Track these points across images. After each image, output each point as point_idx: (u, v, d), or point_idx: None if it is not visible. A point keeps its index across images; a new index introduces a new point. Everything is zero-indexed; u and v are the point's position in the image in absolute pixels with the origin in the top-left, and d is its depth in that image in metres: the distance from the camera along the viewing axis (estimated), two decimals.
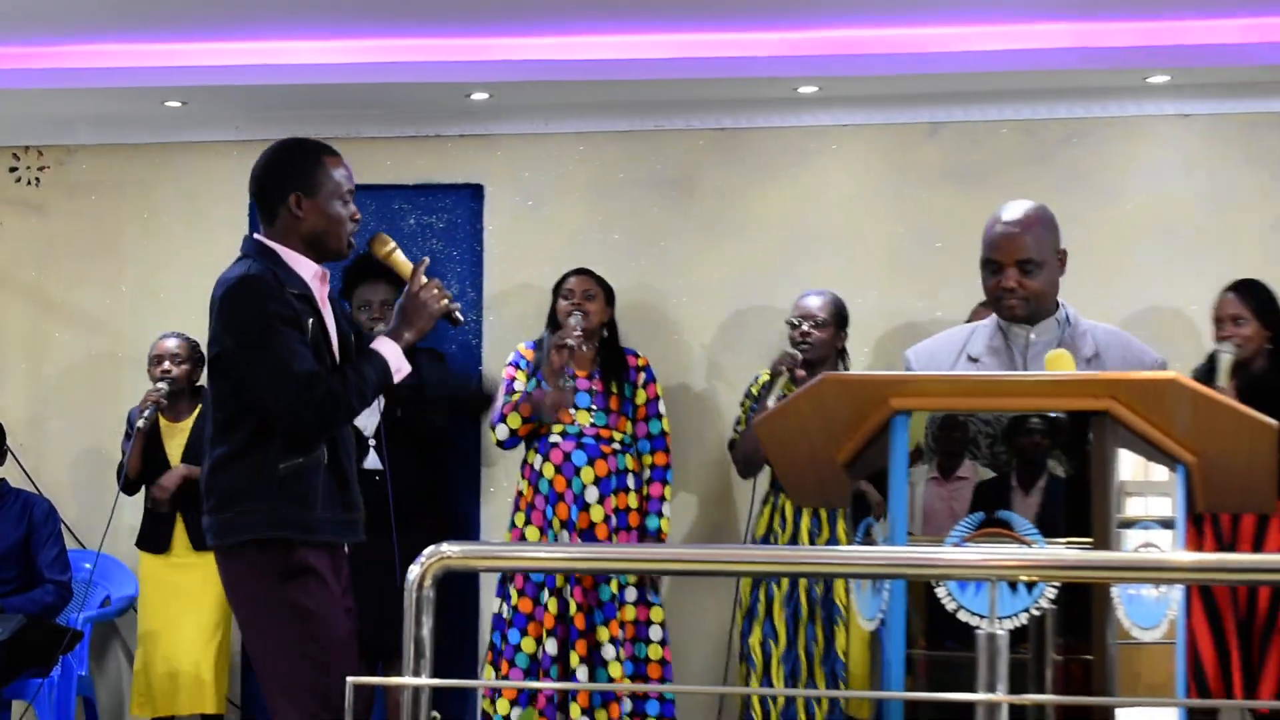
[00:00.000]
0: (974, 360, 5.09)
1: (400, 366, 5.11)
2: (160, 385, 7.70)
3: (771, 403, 6.93)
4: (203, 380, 7.98)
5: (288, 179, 5.09)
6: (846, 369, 7.32)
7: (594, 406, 7.34)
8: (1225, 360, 6.49)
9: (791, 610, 7.16)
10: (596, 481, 7.28)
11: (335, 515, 5.04)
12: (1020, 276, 4.96)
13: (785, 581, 7.14)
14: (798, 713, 7.09)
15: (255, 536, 4.89)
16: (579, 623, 7.17)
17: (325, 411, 4.92)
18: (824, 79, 7.50)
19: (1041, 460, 4.59)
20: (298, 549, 4.89)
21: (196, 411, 7.88)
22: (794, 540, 7.17)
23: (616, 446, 7.38)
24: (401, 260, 5.29)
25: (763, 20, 7.11)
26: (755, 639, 7.20)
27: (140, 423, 7.60)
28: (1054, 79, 7.48)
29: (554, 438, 7.29)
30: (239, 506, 4.92)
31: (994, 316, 5.16)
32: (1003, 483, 4.61)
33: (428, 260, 5.38)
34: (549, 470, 7.31)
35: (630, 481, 7.40)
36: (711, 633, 7.79)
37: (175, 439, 7.91)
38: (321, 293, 5.11)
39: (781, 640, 7.14)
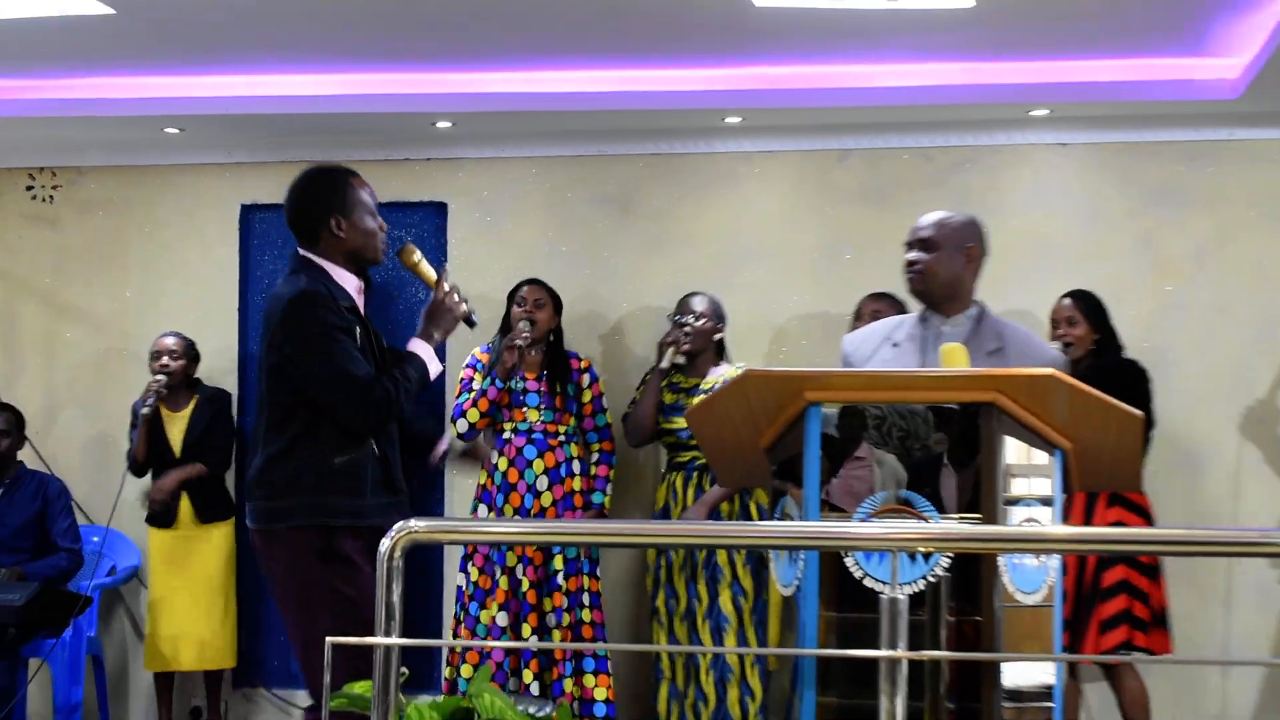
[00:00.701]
0: (895, 345, 5.16)
1: (435, 367, 5.19)
2: (159, 378, 7.75)
3: (665, 364, 7.27)
4: (198, 374, 7.97)
5: (325, 204, 5.08)
6: (724, 358, 7.39)
7: (542, 405, 7.36)
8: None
9: (688, 574, 7.21)
10: (545, 471, 7.34)
11: (381, 500, 5.03)
12: (919, 252, 5.11)
13: (681, 551, 7.20)
14: (700, 662, 7.13)
15: (304, 523, 4.89)
16: (530, 597, 7.20)
17: (383, 411, 4.97)
18: (748, 110, 7.50)
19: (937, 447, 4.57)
20: (336, 534, 4.91)
21: (194, 402, 7.94)
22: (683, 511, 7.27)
23: (562, 439, 7.40)
24: (426, 269, 5.29)
25: (694, 58, 7.09)
26: (660, 600, 7.27)
27: (144, 411, 7.66)
28: (948, 112, 7.47)
29: (507, 434, 7.34)
30: (293, 495, 4.92)
31: (920, 309, 5.24)
32: (927, 465, 4.59)
33: (449, 268, 5.46)
34: (503, 464, 7.34)
35: (576, 468, 7.42)
36: (638, 596, 7.84)
37: (175, 426, 7.93)
38: (361, 303, 5.14)
39: (682, 601, 7.21)
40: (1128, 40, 6.74)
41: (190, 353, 7.97)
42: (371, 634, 4.99)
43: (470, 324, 5.35)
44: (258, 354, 5.26)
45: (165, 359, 7.85)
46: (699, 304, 7.33)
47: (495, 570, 7.22)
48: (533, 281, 7.46)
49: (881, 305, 6.90)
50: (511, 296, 7.42)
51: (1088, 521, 6.68)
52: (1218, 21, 6.45)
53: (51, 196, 8.71)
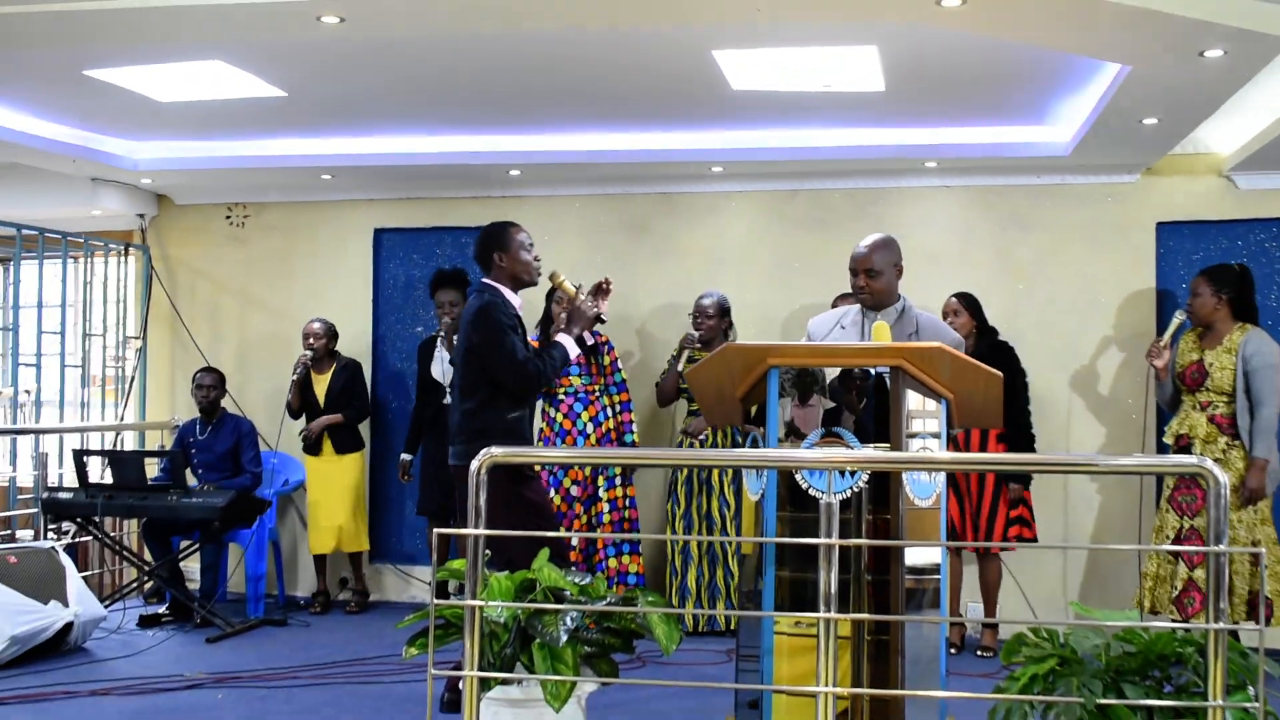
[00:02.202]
0: (843, 328, 5.20)
1: (574, 351, 5.48)
2: (307, 352, 7.89)
3: (680, 366, 7.27)
4: (338, 348, 8.03)
5: (494, 244, 5.42)
6: (730, 338, 7.33)
7: (581, 374, 7.31)
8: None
9: (688, 488, 7.22)
10: (590, 419, 7.26)
11: (527, 441, 5.57)
12: (867, 280, 5.09)
13: (685, 470, 7.26)
14: (692, 550, 7.19)
15: None
16: (578, 509, 7.22)
17: (538, 382, 5.33)
18: (726, 162, 7.43)
19: (861, 396, 4.53)
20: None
21: (334, 368, 7.98)
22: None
23: (597, 394, 7.34)
24: (568, 285, 5.53)
25: (690, 125, 7.07)
26: (668, 506, 7.27)
27: (294, 375, 7.85)
28: (866, 164, 7.40)
29: (560, 395, 7.30)
30: (486, 439, 4.97)
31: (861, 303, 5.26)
32: (837, 408, 4.56)
33: (582, 284, 5.64)
34: (559, 416, 7.30)
35: (608, 413, 7.37)
36: (658, 501, 7.75)
37: (320, 385, 8.01)
38: (521, 312, 5.43)
39: (681, 504, 7.21)
40: (992, 114, 6.69)
41: (330, 332, 8.01)
42: (551, 522, 5.48)
43: (601, 322, 5.57)
44: (458, 348, 5.45)
45: (312, 339, 7.92)
46: (709, 304, 7.31)
47: (554, 489, 7.22)
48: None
49: (845, 300, 6.93)
50: (549, 295, 7.30)
51: (983, 448, 6.68)
52: (1054, 101, 6.40)
53: (243, 223, 8.70)
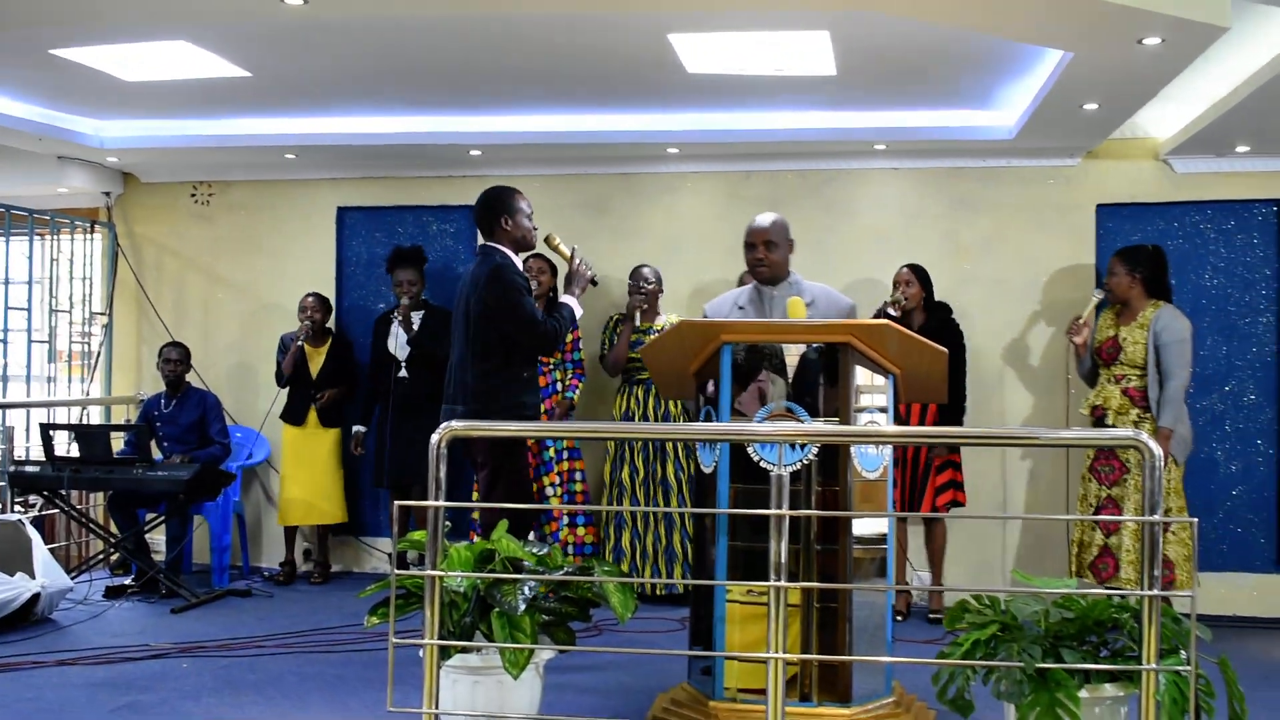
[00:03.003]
0: (741, 308, 5.22)
1: (579, 310, 5.63)
2: (306, 323, 7.81)
3: (638, 321, 7.32)
4: (330, 324, 8.08)
5: (499, 208, 5.51)
6: (659, 310, 7.45)
7: None
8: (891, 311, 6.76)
9: (644, 455, 7.19)
10: (541, 390, 7.20)
11: (538, 400, 5.61)
12: (765, 252, 5.15)
13: (640, 442, 7.23)
14: (650, 517, 7.20)
15: (510, 413, 5.32)
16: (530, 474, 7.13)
17: (551, 341, 5.41)
18: (683, 144, 7.43)
19: (816, 371, 4.55)
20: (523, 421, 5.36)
21: (329, 342, 7.97)
22: (645, 416, 7.24)
23: (551, 366, 7.35)
24: (564, 249, 5.67)
25: (647, 108, 7.04)
26: (624, 474, 7.22)
27: (296, 344, 7.81)
28: (818, 146, 7.42)
29: None
30: (498, 397, 5.34)
31: (754, 282, 5.27)
32: (784, 383, 4.58)
33: (577, 246, 5.83)
34: None
35: (559, 386, 7.38)
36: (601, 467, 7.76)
37: (316, 358, 7.94)
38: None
39: (641, 472, 7.18)
40: (939, 99, 6.72)
41: (325, 306, 7.97)
42: (528, 488, 5.57)
43: (594, 284, 5.73)
44: (464, 308, 5.50)
45: (309, 311, 7.86)
46: (649, 273, 7.32)
47: None
48: (536, 255, 7.32)
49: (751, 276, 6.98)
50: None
51: (921, 422, 6.73)
52: (999, 88, 6.43)
53: (208, 201, 8.61)
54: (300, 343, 7.78)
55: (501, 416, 5.25)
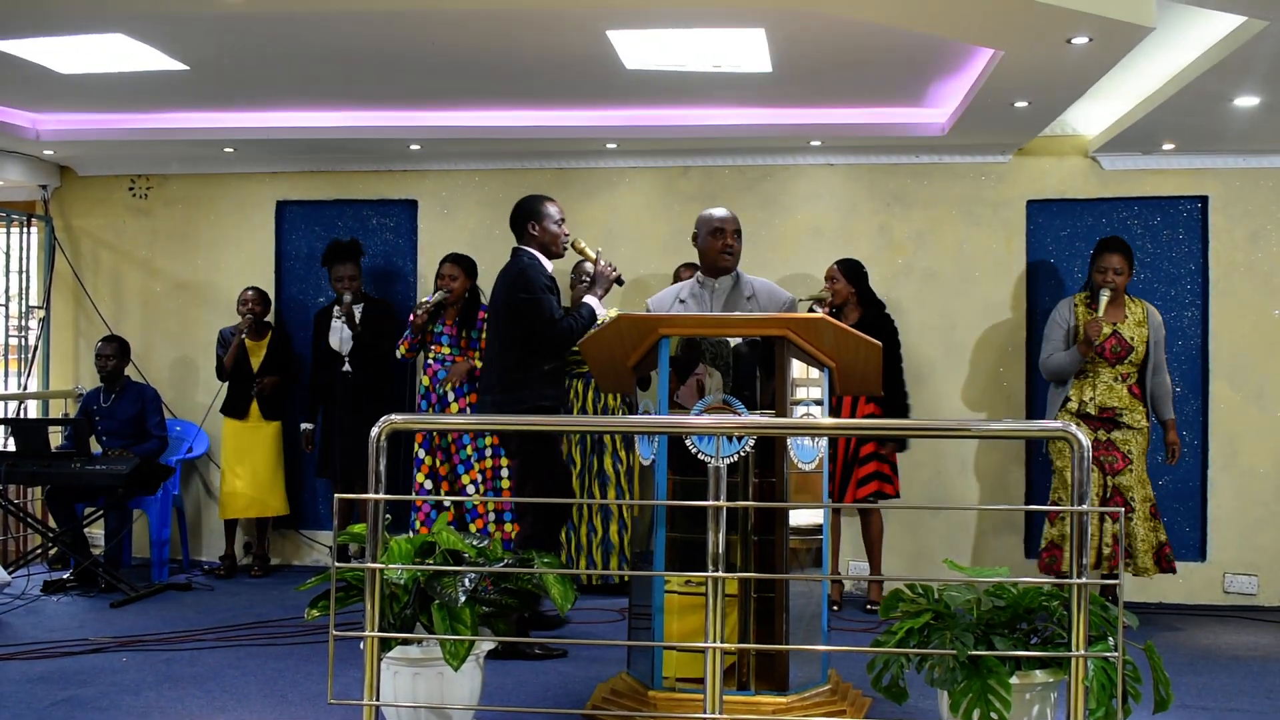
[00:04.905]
0: (683, 302, 5.23)
1: (599, 311, 5.75)
2: (247, 316, 7.73)
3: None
4: (269, 318, 7.97)
5: (529, 215, 5.76)
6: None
7: (450, 344, 7.20)
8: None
9: (581, 448, 7.18)
10: (453, 388, 7.16)
11: (561, 393, 5.81)
12: (734, 240, 5.21)
13: (577, 435, 7.19)
14: (582, 509, 7.14)
15: (532, 404, 5.57)
16: (443, 472, 7.12)
17: (569, 338, 5.59)
18: (621, 139, 7.42)
19: (752, 364, 4.56)
20: (543, 411, 5.60)
21: (269, 335, 7.90)
22: (583, 409, 7.20)
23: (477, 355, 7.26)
24: (589, 252, 5.88)
25: (585, 104, 7.01)
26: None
27: (237, 338, 7.72)
28: (754, 142, 7.45)
29: (430, 360, 7.22)
30: (525, 389, 5.59)
31: (696, 275, 5.33)
32: (724, 375, 4.59)
33: (601, 248, 6.11)
34: (425, 380, 7.24)
35: (471, 387, 7.24)
36: None
37: (257, 352, 7.87)
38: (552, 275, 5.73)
39: (578, 464, 7.14)
40: (873, 96, 6.75)
41: (265, 300, 7.87)
42: (561, 477, 5.75)
43: (619, 283, 5.88)
44: (495, 307, 5.76)
45: (250, 304, 7.76)
46: (590, 267, 7.30)
47: (420, 453, 7.14)
48: (449, 258, 7.26)
49: (688, 272, 6.95)
50: (441, 267, 7.26)
51: (852, 414, 6.72)
52: (932, 85, 6.47)
53: (146, 194, 8.49)
54: (241, 336, 7.69)
55: (525, 408, 5.54)
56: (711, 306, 5.14)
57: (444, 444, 7.09)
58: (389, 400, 7.58)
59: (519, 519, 7.14)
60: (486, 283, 7.46)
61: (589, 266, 7.05)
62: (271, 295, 8.15)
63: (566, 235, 5.82)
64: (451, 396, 7.15)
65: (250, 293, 7.79)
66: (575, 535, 7.14)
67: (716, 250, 5.17)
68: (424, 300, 7.12)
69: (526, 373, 5.60)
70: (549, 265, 5.73)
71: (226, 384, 7.81)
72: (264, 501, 7.80)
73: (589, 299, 5.76)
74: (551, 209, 5.77)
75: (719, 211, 5.24)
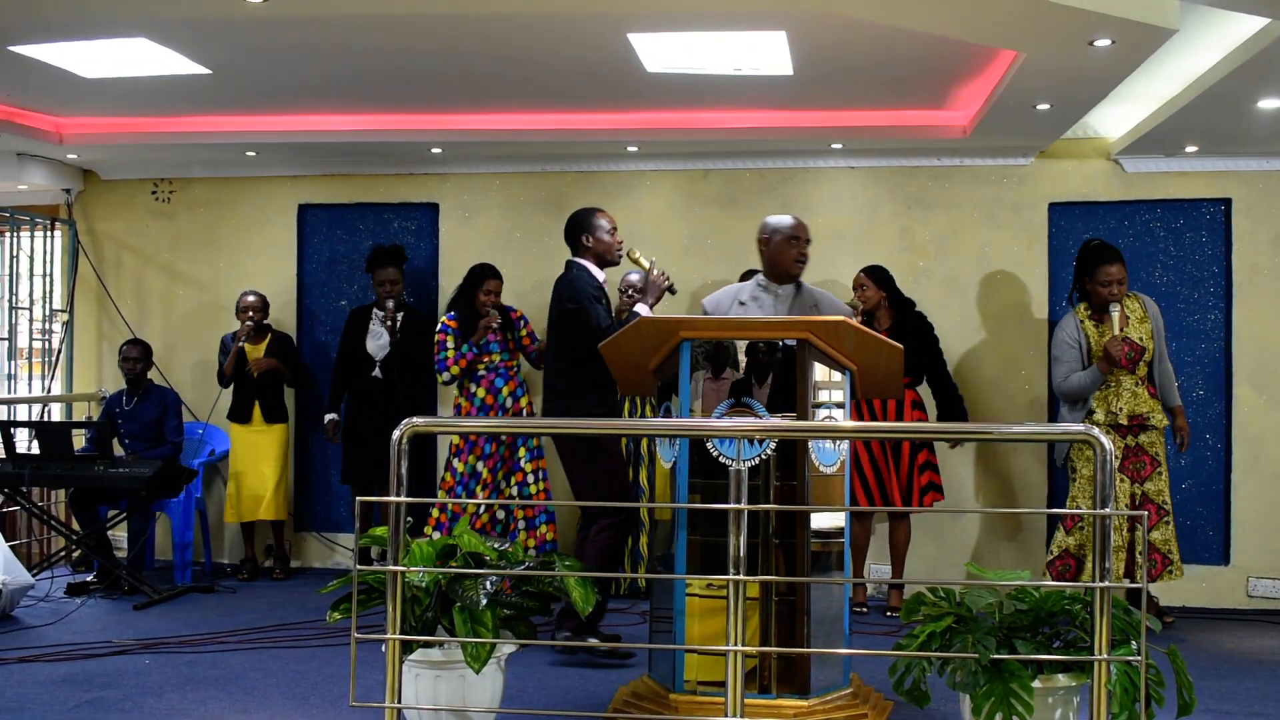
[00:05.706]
0: (743, 304, 5.22)
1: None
2: (248, 324, 7.72)
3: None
4: (268, 320, 7.88)
5: (581, 228, 5.87)
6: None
7: (500, 350, 7.20)
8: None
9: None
10: (510, 393, 7.19)
11: (614, 395, 5.73)
12: (807, 247, 5.27)
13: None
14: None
15: (584, 413, 5.60)
16: (492, 473, 7.09)
17: None
18: (642, 142, 7.42)
19: (769, 367, 4.56)
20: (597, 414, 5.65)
21: (268, 339, 7.86)
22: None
23: (515, 368, 7.28)
24: (643, 261, 5.91)
25: (607, 107, 7.01)
26: None
27: (236, 345, 7.70)
28: (775, 144, 7.45)
29: (481, 370, 7.17)
30: (572, 398, 5.67)
31: (757, 278, 5.30)
32: (747, 379, 4.59)
33: (655, 258, 6.14)
34: (481, 391, 7.18)
35: (527, 387, 7.32)
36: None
37: (255, 355, 7.85)
38: (604, 285, 5.83)
39: None
40: (894, 98, 6.74)
41: (265, 304, 7.87)
42: (624, 477, 5.80)
43: (672, 292, 5.95)
44: (551, 315, 5.90)
45: (251, 311, 7.77)
46: (637, 280, 7.24)
47: (470, 459, 7.09)
48: (496, 275, 7.27)
49: (748, 275, 6.93)
50: (478, 282, 7.23)
51: (899, 417, 6.74)
52: (953, 87, 6.46)
53: (169, 198, 8.53)
54: (240, 344, 7.72)
55: (578, 412, 5.62)
56: (775, 311, 5.15)
57: (499, 452, 7.13)
58: (422, 411, 7.58)
59: (552, 521, 7.18)
60: (510, 285, 7.52)
61: (634, 278, 7.07)
62: (293, 298, 8.18)
63: (620, 245, 5.90)
64: (511, 402, 7.19)
65: (251, 298, 7.81)
66: None
67: (791, 258, 5.19)
68: (490, 325, 7.11)
69: (576, 381, 5.67)
70: (600, 275, 5.82)
71: (231, 389, 7.87)
72: (268, 503, 7.82)
73: (639, 307, 5.89)
74: (603, 220, 5.87)
75: (790, 219, 5.25)
